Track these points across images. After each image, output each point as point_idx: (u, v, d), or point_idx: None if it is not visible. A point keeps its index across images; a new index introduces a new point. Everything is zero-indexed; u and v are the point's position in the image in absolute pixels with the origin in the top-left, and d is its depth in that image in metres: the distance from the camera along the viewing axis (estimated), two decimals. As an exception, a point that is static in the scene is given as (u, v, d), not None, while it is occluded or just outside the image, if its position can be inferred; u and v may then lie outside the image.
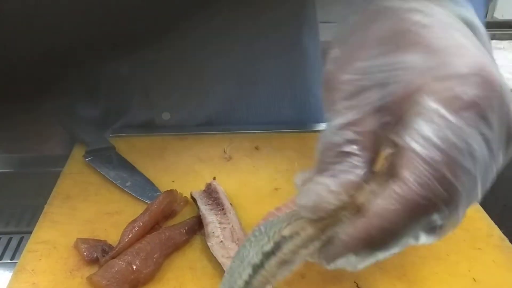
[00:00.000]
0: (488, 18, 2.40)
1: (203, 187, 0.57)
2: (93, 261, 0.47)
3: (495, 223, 0.55)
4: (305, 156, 0.66)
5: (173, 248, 0.48)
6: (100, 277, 0.43)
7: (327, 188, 0.27)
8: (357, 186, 0.27)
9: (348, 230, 0.27)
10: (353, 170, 0.27)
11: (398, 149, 0.25)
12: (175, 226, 0.50)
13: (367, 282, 0.46)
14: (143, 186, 0.58)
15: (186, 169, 0.62)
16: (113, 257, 0.46)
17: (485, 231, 0.54)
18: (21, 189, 0.73)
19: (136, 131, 0.71)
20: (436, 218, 0.26)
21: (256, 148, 0.67)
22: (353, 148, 0.27)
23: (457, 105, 0.24)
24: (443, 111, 0.24)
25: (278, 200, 0.57)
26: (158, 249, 0.46)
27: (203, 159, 0.64)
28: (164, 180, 0.60)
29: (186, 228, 0.49)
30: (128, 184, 0.58)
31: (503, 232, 0.54)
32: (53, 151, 0.76)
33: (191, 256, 0.49)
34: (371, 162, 0.28)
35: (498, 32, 1.67)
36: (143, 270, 0.44)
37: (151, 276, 0.45)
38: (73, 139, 0.68)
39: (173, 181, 0.60)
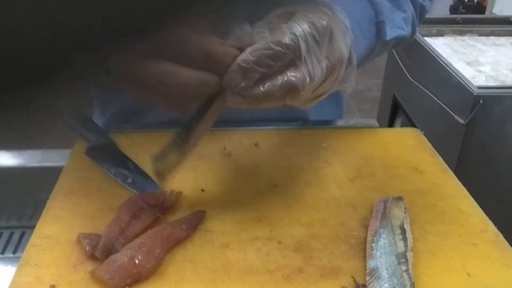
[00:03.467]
0: (487, 14, 2.41)
1: (202, 183, 0.58)
2: (95, 256, 0.48)
3: (491, 219, 0.56)
4: (303, 152, 0.66)
5: (174, 243, 0.49)
6: (103, 271, 0.44)
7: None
8: None
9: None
10: None
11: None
12: (176, 221, 0.51)
13: (364, 277, 0.47)
14: (143, 183, 0.59)
15: (186, 165, 0.63)
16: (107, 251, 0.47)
17: (480, 226, 0.55)
18: (22, 184, 0.74)
19: (137, 127, 0.72)
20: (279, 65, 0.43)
21: (256, 144, 0.68)
22: None
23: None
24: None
25: (277, 196, 0.58)
26: (160, 244, 0.47)
27: (203, 155, 0.65)
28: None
29: (187, 223, 0.50)
30: (129, 180, 0.59)
31: (498, 228, 0.55)
32: (53, 145, 0.76)
33: (191, 250, 0.50)
34: None
35: (496, 28, 1.68)
36: (145, 264, 0.45)
37: (152, 271, 0.46)
38: (75, 135, 0.68)
39: (173, 177, 0.61)
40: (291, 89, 0.44)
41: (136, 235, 0.49)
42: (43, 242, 0.51)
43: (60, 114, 0.71)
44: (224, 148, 0.67)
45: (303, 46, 0.43)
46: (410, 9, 0.65)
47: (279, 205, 0.56)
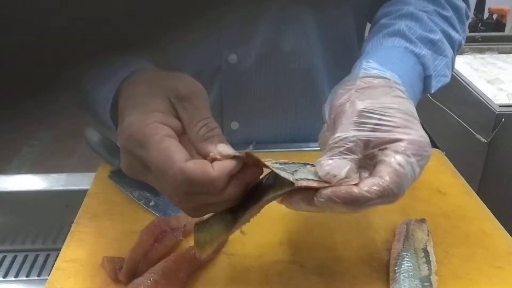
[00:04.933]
0: (506, 32, 2.41)
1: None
2: (119, 280, 0.48)
3: (516, 241, 0.55)
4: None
5: (197, 267, 0.49)
6: (127, 295, 0.45)
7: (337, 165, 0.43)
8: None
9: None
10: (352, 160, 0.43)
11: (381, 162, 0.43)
12: (199, 245, 0.51)
13: (388, 301, 0.46)
14: (166, 206, 0.59)
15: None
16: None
17: (505, 249, 0.54)
18: (47, 207, 0.75)
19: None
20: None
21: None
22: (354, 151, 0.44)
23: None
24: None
25: (299, 219, 0.58)
26: (183, 268, 0.48)
27: (224, 178, 0.66)
28: (187, 199, 0.61)
29: (210, 247, 0.51)
30: (151, 203, 0.60)
31: (523, 250, 0.54)
32: (78, 169, 0.78)
33: (214, 274, 0.50)
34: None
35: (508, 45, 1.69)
36: (168, 288, 0.46)
37: (175, 294, 0.46)
38: (98, 158, 0.70)
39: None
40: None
41: (159, 259, 0.50)
42: (68, 265, 0.51)
43: (85, 139, 0.73)
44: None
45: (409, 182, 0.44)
46: (449, 51, 0.63)
47: (301, 228, 0.56)
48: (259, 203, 0.43)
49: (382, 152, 0.43)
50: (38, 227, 0.76)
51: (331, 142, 0.44)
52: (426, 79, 0.59)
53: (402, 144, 0.43)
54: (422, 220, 0.55)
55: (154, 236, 0.52)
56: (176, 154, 0.40)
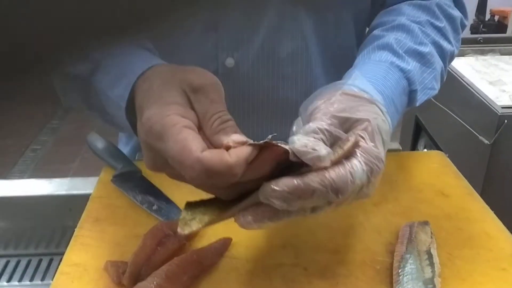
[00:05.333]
0: (508, 33, 2.41)
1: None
2: (122, 284, 0.49)
3: (519, 243, 0.55)
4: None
5: (201, 271, 0.49)
6: (130, 299, 0.45)
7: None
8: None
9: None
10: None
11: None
12: (202, 249, 0.51)
13: (391, 304, 0.46)
14: (169, 210, 0.60)
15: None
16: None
17: (509, 251, 0.54)
18: (50, 211, 0.75)
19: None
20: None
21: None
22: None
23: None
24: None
25: (301, 222, 0.58)
26: (186, 272, 0.48)
27: (226, 182, 0.66)
28: (190, 203, 0.61)
29: (213, 251, 0.51)
30: (154, 207, 0.60)
31: (527, 252, 0.54)
32: (79, 173, 0.78)
33: (217, 278, 0.50)
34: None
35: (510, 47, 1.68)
36: (171, 292, 0.46)
37: (179, 298, 0.46)
38: (101, 162, 0.70)
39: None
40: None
41: (162, 262, 0.50)
42: (72, 270, 0.51)
43: (88, 144, 0.73)
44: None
45: (354, 187, 0.43)
46: (439, 63, 0.63)
47: (304, 231, 0.56)
48: (253, 195, 0.43)
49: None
50: (41, 232, 0.76)
51: (304, 130, 0.44)
52: (411, 93, 0.59)
53: (359, 150, 0.43)
54: (425, 223, 0.55)
55: (157, 240, 0.52)
56: (193, 144, 0.40)
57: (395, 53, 0.59)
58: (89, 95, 0.55)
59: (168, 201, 0.61)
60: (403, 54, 0.59)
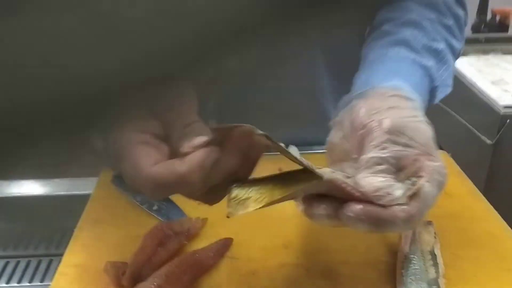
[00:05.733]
0: (510, 32, 2.40)
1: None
2: (122, 284, 0.48)
3: (524, 243, 0.54)
4: (328, 177, 0.66)
5: (201, 271, 0.49)
6: (130, 300, 0.44)
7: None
8: None
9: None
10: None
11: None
12: (203, 249, 0.51)
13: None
14: (169, 210, 0.59)
15: (211, 191, 0.63)
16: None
17: (513, 251, 0.53)
18: (49, 212, 0.75)
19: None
20: None
21: (279, 169, 0.67)
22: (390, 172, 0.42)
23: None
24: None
25: (303, 222, 0.57)
26: (187, 272, 0.47)
27: (227, 182, 0.65)
28: (190, 203, 0.60)
29: (214, 251, 0.50)
30: (154, 207, 0.59)
31: (532, 252, 0.53)
32: (80, 174, 0.78)
33: (218, 278, 0.49)
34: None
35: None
36: (172, 293, 0.45)
37: (179, 299, 0.46)
38: (101, 163, 0.69)
39: (198, 204, 0.61)
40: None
41: (163, 263, 0.49)
42: (71, 271, 0.51)
43: (87, 143, 0.72)
44: (249, 174, 0.67)
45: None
46: (452, 60, 0.61)
47: (306, 231, 0.56)
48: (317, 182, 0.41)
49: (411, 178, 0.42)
50: (41, 233, 0.75)
51: (365, 161, 0.42)
52: (432, 91, 0.57)
53: (427, 171, 0.42)
54: (429, 223, 0.55)
55: (157, 241, 0.51)
56: (142, 160, 0.38)
57: (413, 49, 0.57)
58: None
59: (168, 201, 0.61)
60: (422, 50, 0.57)
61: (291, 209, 0.60)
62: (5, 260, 0.74)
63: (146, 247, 0.51)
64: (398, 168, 0.42)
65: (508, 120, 1.14)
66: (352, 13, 0.69)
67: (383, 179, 0.41)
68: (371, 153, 0.42)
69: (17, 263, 0.73)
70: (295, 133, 0.74)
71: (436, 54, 0.59)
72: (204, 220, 0.56)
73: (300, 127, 0.74)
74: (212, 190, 0.42)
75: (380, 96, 0.47)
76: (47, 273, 0.72)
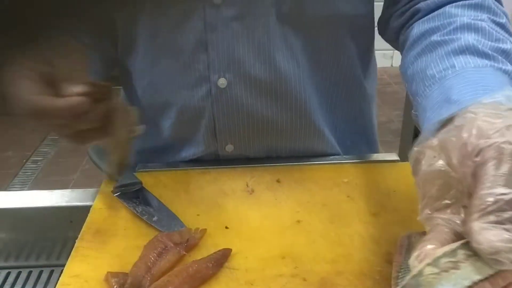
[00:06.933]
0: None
1: (226, 220, 0.59)
2: (123, 295, 0.49)
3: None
4: (325, 188, 0.67)
5: (200, 281, 0.50)
6: (131, 310, 0.45)
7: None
8: None
9: None
10: None
11: None
12: (202, 259, 0.52)
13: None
14: (169, 221, 0.60)
15: (210, 202, 0.64)
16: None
17: None
18: (51, 222, 0.76)
19: (161, 166, 0.74)
20: None
21: (278, 181, 0.69)
22: None
23: None
24: None
25: (301, 232, 0.58)
26: (186, 283, 0.48)
27: (226, 193, 0.66)
28: (189, 214, 0.62)
29: (213, 261, 0.51)
30: (154, 218, 0.60)
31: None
32: (80, 184, 0.78)
33: (217, 288, 0.50)
34: None
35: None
36: (171, 303, 0.46)
37: (179, 309, 0.47)
38: (102, 174, 0.70)
39: (198, 215, 0.62)
40: None
41: (163, 273, 0.50)
42: (72, 281, 0.52)
43: (88, 155, 0.74)
44: (247, 185, 0.68)
45: None
46: None
47: (303, 241, 0.57)
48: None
49: None
50: (42, 243, 0.76)
51: (485, 198, 0.32)
52: None
53: None
54: (424, 233, 0.55)
55: (157, 251, 0.52)
56: (26, 89, 0.48)
57: (483, 55, 0.48)
58: None
59: (168, 212, 0.62)
60: (494, 54, 0.48)
61: (288, 219, 0.61)
62: (7, 270, 0.74)
63: (146, 257, 0.52)
64: None
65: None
66: (344, 32, 0.69)
67: (506, 235, 0.30)
68: (493, 190, 0.32)
69: (19, 273, 0.74)
70: (289, 145, 0.75)
71: (506, 55, 0.50)
72: (203, 231, 0.57)
73: (293, 138, 0.74)
74: (79, 133, 0.53)
75: (494, 110, 0.37)
76: (48, 283, 0.72)
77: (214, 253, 0.53)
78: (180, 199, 0.65)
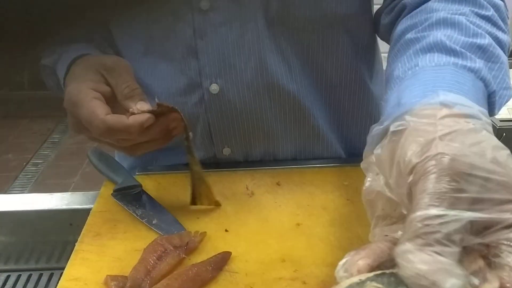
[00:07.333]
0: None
1: (226, 223, 0.59)
2: (122, 298, 0.49)
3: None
4: (325, 191, 0.67)
5: (200, 285, 0.50)
6: (130, 313, 0.45)
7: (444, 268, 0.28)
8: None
9: None
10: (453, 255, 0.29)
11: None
12: (202, 263, 0.52)
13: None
14: (169, 224, 0.60)
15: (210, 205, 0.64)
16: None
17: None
18: (51, 225, 0.76)
19: (161, 169, 0.74)
20: None
21: (278, 184, 0.69)
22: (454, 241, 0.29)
23: None
24: None
25: (301, 236, 0.58)
26: (186, 286, 0.48)
27: (226, 196, 0.66)
28: (189, 217, 0.62)
29: (213, 265, 0.51)
30: (154, 222, 0.60)
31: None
32: (80, 187, 0.78)
33: (216, 292, 0.50)
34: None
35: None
36: (171, 306, 0.46)
37: (178, 312, 0.46)
38: (101, 177, 0.70)
39: (197, 218, 0.62)
40: None
41: (162, 277, 0.50)
42: (72, 284, 0.52)
43: (89, 158, 0.73)
44: (247, 188, 0.68)
45: None
46: (503, 56, 0.49)
47: (303, 244, 0.57)
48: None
49: (495, 248, 0.30)
50: (42, 246, 0.76)
51: (414, 222, 0.30)
52: (489, 98, 0.45)
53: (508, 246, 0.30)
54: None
55: (156, 255, 0.52)
56: (99, 110, 0.54)
57: (451, 51, 0.45)
58: (56, 82, 0.67)
59: (168, 215, 0.62)
60: (463, 51, 0.45)
61: (288, 223, 0.61)
62: (6, 274, 0.74)
63: (146, 260, 0.52)
64: (477, 232, 0.30)
65: (504, 134, 1.16)
66: (337, 32, 0.68)
67: (430, 257, 0.28)
68: (421, 212, 0.30)
69: (18, 276, 0.74)
70: (285, 147, 0.75)
71: (483, 52, 0.47)
72: (203, 234, 0.57)
73: (289, 140, 0.74)
74: (136, 146, 0.59)
75: (427, 119, 0.35)
76: (48, 286, 0.72)
77: (214, 256, 0.53)
78: (179, 202, 0.65)
